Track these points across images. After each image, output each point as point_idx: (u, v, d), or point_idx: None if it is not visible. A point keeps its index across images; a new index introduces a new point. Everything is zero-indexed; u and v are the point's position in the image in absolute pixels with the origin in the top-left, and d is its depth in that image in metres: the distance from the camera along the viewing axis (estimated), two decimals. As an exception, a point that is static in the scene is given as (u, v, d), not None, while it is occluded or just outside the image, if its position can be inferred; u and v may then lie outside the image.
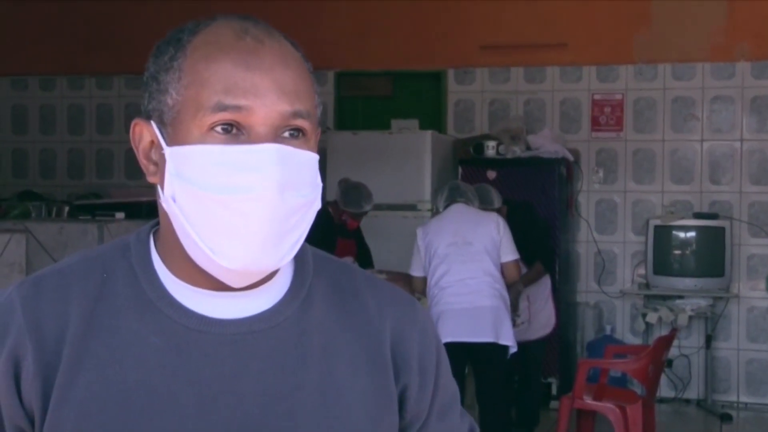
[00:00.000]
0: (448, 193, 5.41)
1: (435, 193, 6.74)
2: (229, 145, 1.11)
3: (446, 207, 5.35)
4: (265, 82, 1.12)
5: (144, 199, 5.16)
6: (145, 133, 1.19)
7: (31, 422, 1.16)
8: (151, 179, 1.19)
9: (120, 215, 4.86)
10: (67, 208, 5.29)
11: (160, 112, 1.16)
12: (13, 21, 8.37)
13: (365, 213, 5.86)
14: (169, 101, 1.14)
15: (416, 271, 5.35)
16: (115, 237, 4.29)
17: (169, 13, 7.63)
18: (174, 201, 1.13)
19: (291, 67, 1.15)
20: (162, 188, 1.16)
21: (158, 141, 1.16)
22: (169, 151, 1.14)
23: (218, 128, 1.11)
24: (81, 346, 1.15)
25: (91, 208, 5.19)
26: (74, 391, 1.13)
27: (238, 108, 1.11)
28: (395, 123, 7.45)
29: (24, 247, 3.90)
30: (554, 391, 6.96)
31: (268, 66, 1.13)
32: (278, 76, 1.13)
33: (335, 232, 5.72)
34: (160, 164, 1.17)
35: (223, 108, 1.11)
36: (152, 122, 1.17)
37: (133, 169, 8.15)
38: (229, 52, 1.13)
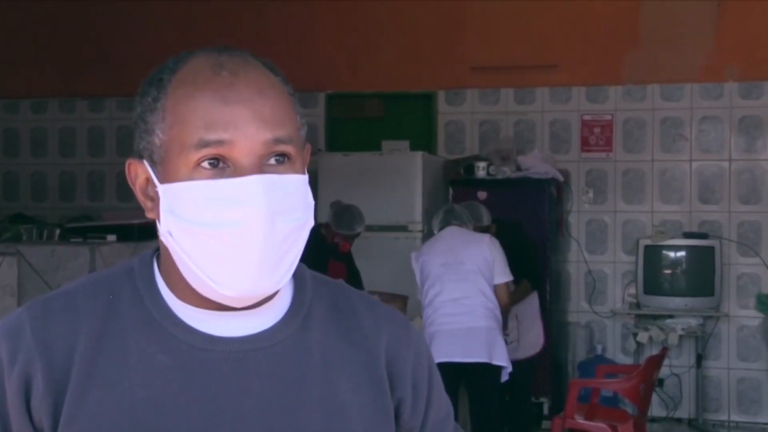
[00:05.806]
0: (443, 215, 5.49)
1: (427, 214, 6.77)
2: (215, 180, 1.14)
3: (441, 229, 5.41)
4: (244, 114, 1.15)
5: (135, 221, 5.14)
6: (139, 171, 1.22)
7: None
8: (149, 215, 1.23)
9: (111, 238, 4.84)
10: (58, 231, 5.27)
11: (150, 152, 1.19)
12: (4, 45, 8.39)
13: (357, 235, 5.87)
14: (157, 141, 1.18)
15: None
16: (107, 259, 4.29)
17: (160, 36, 7.66)
18: (171, 236, 1.17)
19: (268, 95, 1.18)
20: (159, 223, 1.20)
21: (152, 179, 1.20)
22: (162, 189, 1.18)
23: (204, 163, 1.15)
24: (90, 365, 1.17)
25: (83, 231, 5.16)
26: (84, 409, 1.15)
27: (220, 142, 1.14)
28: (386, 144, 7.47)
29: (16, 270, 3.90)
30: (546, 410, 6.95)
31: (245, 98, 1.16)
32: (257, 107, 1.16)
33: (328, 255, 5.73)
34: (156, 200, 1.21)
35: (205, 144, 1.14)
36: (144, 161, 1.21)
37: (125, 192, 8.14)
38: (206, 89, 1.16)
